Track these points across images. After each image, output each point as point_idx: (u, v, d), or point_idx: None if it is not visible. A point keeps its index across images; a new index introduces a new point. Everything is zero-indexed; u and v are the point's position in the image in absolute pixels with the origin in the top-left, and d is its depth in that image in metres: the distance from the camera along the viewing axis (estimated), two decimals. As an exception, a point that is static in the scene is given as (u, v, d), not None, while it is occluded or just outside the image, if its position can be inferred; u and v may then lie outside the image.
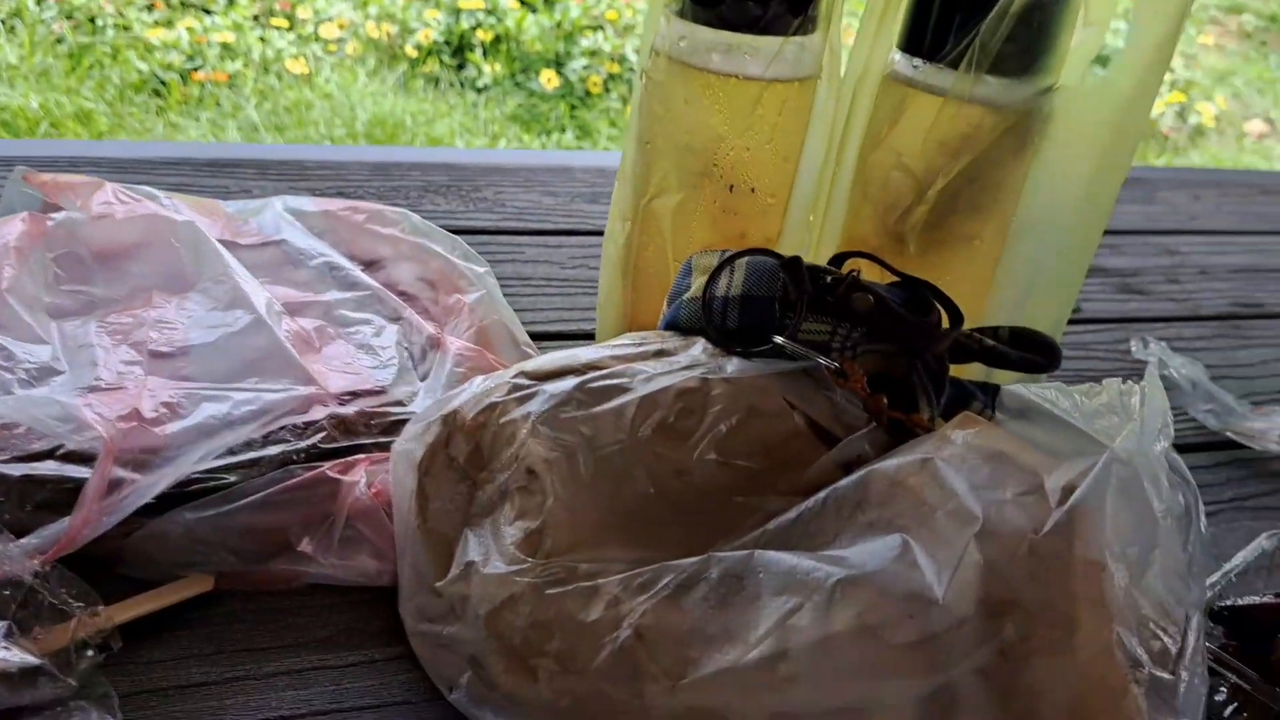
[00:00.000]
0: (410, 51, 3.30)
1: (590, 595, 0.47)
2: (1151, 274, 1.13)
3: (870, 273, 0.64)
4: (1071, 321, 1.01)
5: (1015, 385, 0.49)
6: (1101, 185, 0.60)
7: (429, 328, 0.65)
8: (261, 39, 3.17)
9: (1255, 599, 0.59)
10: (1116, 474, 0.43)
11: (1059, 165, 0.60)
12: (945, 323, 0.57)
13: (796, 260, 0.55)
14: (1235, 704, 0.59)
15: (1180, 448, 0.83)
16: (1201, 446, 0.84)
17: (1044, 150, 0.60)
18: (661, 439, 0.53)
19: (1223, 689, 0.58)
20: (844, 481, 0.49)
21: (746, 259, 0.57)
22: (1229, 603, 0.60)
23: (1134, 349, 0.87)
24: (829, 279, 0.55)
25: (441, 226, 0.77)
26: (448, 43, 3.36)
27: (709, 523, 0.52)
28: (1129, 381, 0.54)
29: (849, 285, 0.54)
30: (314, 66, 3.13)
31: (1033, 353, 0.58)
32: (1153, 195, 1.36)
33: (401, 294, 0.69)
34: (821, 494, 0.50)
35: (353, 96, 3.03)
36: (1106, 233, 1.20)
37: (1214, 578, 0.63)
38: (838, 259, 0.63)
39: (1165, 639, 0.43)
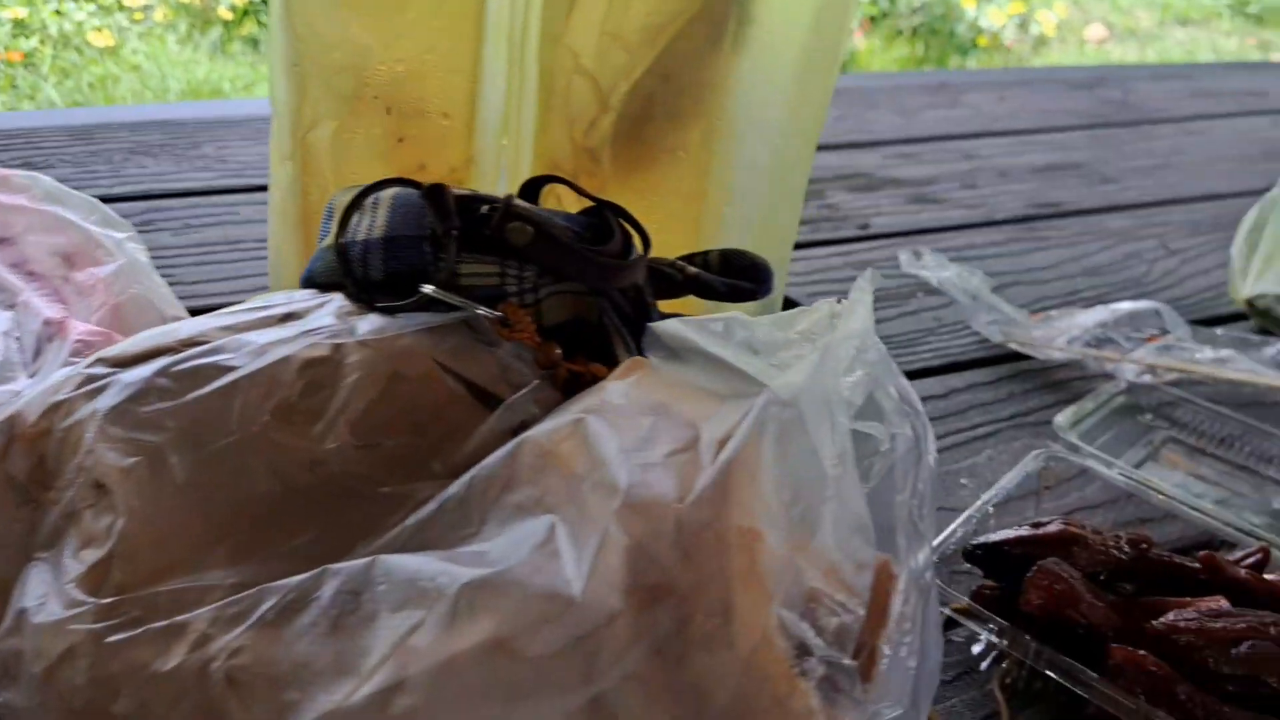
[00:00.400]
0: (224, 14, 3.08)
1: (170, 636, 0.37)
2: (947, 181, 1.08)
3: (570, 200, 0.55)
4: (858, 239, 0.95)
5: (680, 319, 0.41)
6: (811, 81, 0.52)
7: (51, 311, 0.54)
8: (58, 12, 2.91)
9: (1008, 533, 0.53)
10: (775, 419, 0.35)
11: (764, 60, 0.52)
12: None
13: (439, 188, 0.45)
14: (992, 655, 0.53)
15: (961, 364, 0.77)
16: (983, 361, 0.78)
17: (747, 44, 0.52)
18: (283, 425, 0.43)
19: (981, 639, 0.52)
20: (492, 456, 0.41)
21: (390, 193, 0.47)
22: (981, 540, 0.53)
23: (903, 261, 0.81)
24: (485, 209, 0.46)
25: (143, 191, 0.66)
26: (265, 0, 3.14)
27: (350, 523, 0.43)
28: (844, 301, 0.47)
29: (503, 214, 0.45)
30: (119, 38, 2.89)
31: (742, 278, 0.50)
32: (956, 100, 1.30)
33: (30, 273, 0.58)
34: (467, 475, 0.41)
35: (163, 66, 2.82)
36: (902, 142, 1.14)
37: (972, 509, 0.56)
38: (528, 186, 0.54)
39: (844, 614, 0.35)
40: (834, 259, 0.90)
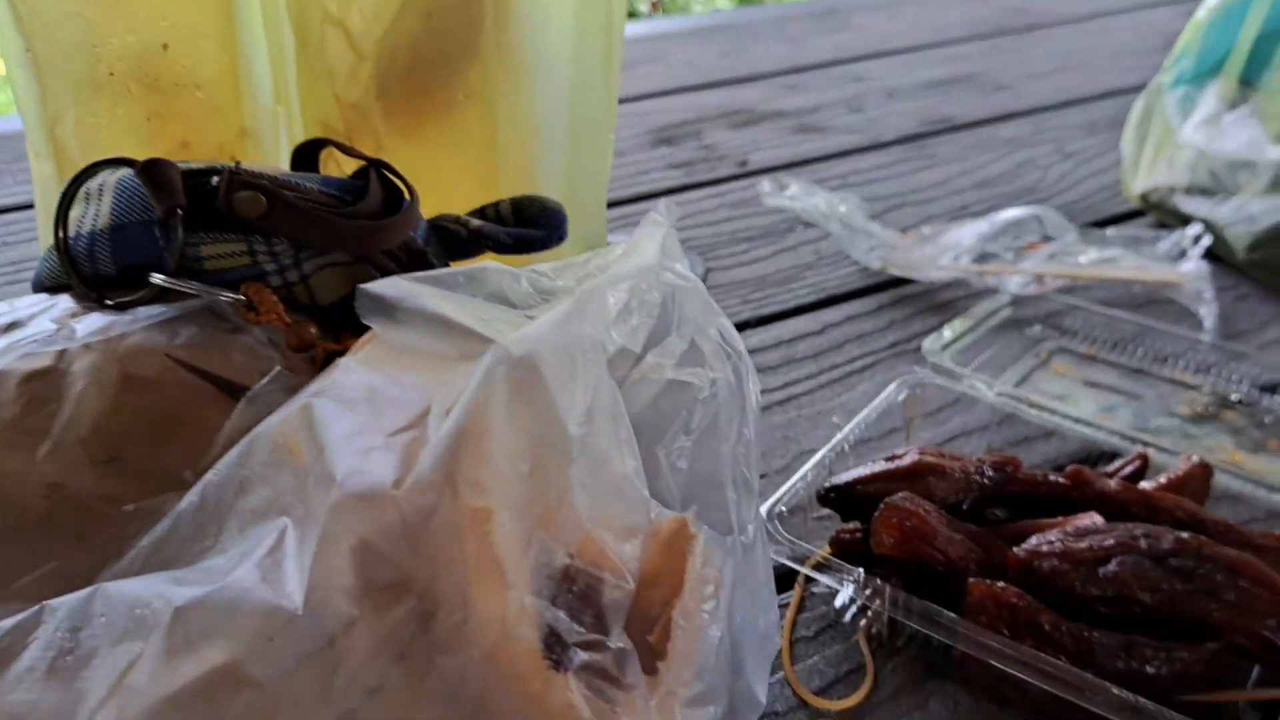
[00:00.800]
0: None
1: None
2: (833, 108, 1.03)
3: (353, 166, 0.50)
4: (735, 177, 0.90)
5: (396, 279, 0.35)
6: (593, 3, 0.47)
7: None
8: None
9: (861, 470, 0.49)
10: (505, 378, 0.31)
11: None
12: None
13: (154, 164, 0.40)
14: (855, 606, 0.48)
15: (839, 297, 0.73)
16: (862, 291, 0.73)
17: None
18: (5, 449, 0.38)
19: (844, 586, 0.47)
20: (225, 458, 0.36)
21: (115, 177, 0.42)
22: (833, 482, 0.49)
23: (765, 192, 0.76)
24: (213, 181, 0.41)
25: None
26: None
27: (95, 549, 0.38)
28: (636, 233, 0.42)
29: (228, 184, 0.40)
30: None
31: (533, 226, 0.45)
32: (845, 23, 1.25)
33: None
34: (201, 482, 0.36)
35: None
36: (788, 72, 1.09)
37: (826, 448, 0.52)
38: (301, 153, 0.49)
39: (609, 590, 0.31)
40: (708, 200, 0.85)
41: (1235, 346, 0.66)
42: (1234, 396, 0.62)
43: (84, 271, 0.41)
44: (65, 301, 0.42)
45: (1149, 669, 0.41)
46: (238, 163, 0.41)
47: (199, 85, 0.50)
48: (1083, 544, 0.43)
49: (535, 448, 0.31)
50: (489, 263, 0.37)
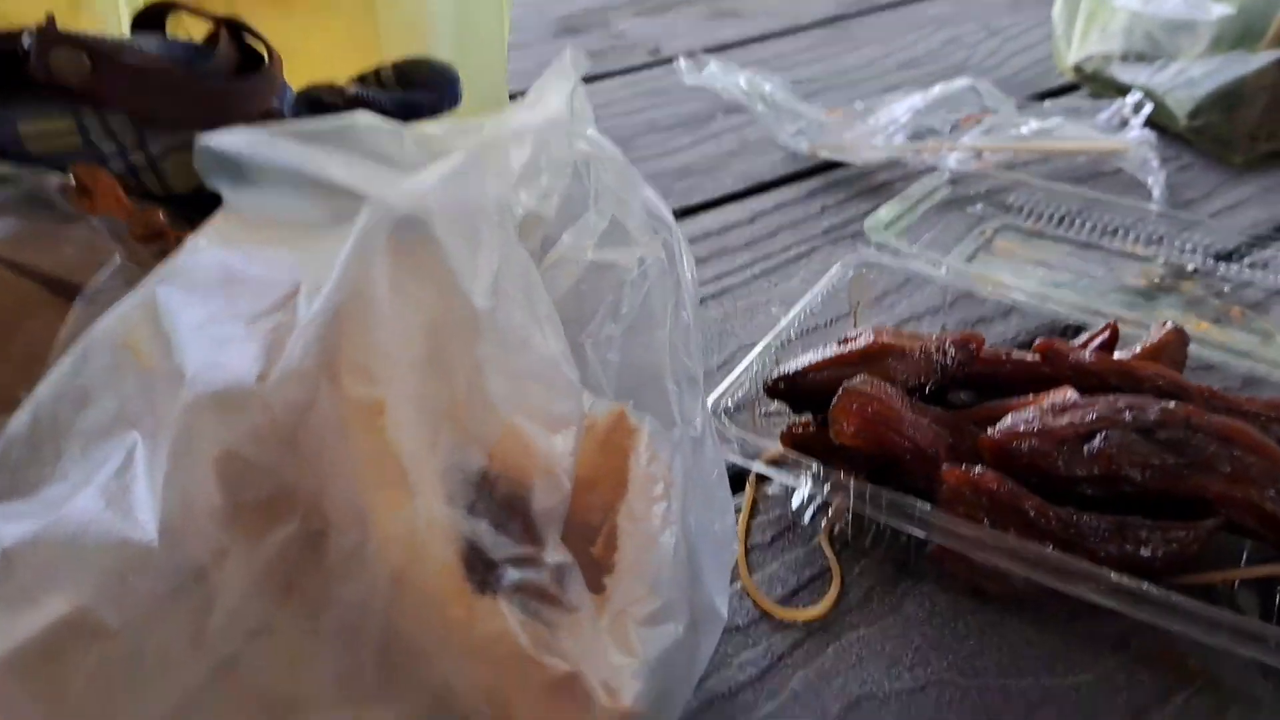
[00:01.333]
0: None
1: None
2: (747, -8, 0.96)
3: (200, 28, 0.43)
4: (648, 65, 0.83)
5: (263, 128, 0.29)
6: None
7: None
8: None
9: (812, 356, 0.44)
10: (389, 242, 0.24)
11: None
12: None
13: (-55, 22, 0.33)
14: (814, 505, 0.44)
15: (768, 184, 0.67)
16: (792, 177, 0.68)
17: None
18: None
19: (799, 488, 0.42)
20: (57, 367, 0.29)
21: (-97, 45, 0.34)
22: (782, 371, 0.44)
23: (683, 70, 0.70)
24: (25, 42, 0.33)
25: None
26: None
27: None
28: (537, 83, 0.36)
29: (41, 42, 0.33)
30: None
31: (420, 89, 0.39)
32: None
33: None
34: (32, 398, 0.29)
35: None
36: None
37: (770, 336, 0.47)
38: (144, 18, 0.41)
39: (539, 494, 0.25)
40: (622, 90, 0.78)
41: (1187, 215, 0.62)
42: (1190, 266, 0.59)
43: (-128, 159, 0.34)
44: None
45: (1144, 552, 0.37)
46: (50, 16, 0.34)
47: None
48: (1062, 421, 0.39)
49: (432, 326, 0.25)
50: (361, 115, 0.30)
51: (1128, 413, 0.39)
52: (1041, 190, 0.63)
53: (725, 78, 0.67)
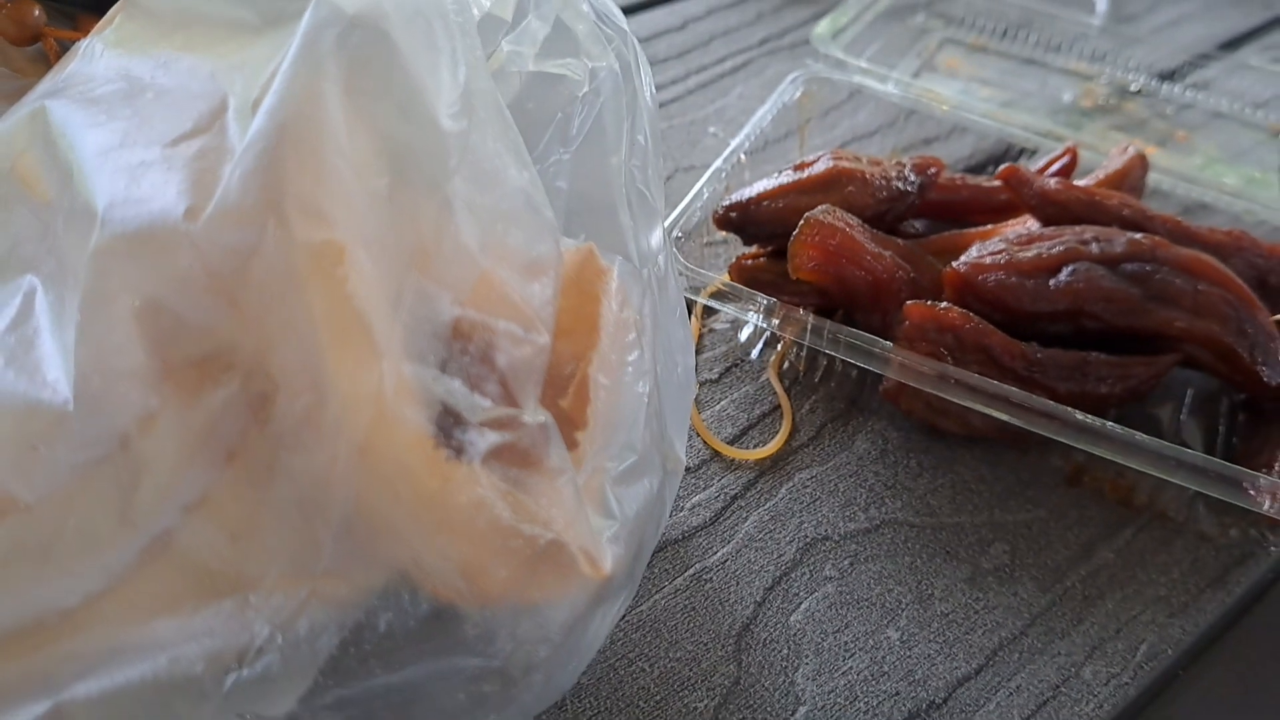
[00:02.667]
0: None
1: None
2: None
3: None
4: None
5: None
6: None
7: None
8: None
9: (767, 183, 0.41)
10: (340, 50, 0.20)
11: None
12: None
13: None
14: (764, 339, 0.42)
15: (701, -14, 0.62)
16: (725, -23, 0.63)
17: None
18: None
19: (748, 321, 0.40)
20: (-75, 195, 0.24)
21: None
22: (734, 198, 0.41)
23: None
24: None
25: None
26: None
27: None
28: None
29: None
30: None
31: None
32: None
33: None
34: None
35: None
36: None
37: (719, 161, 0.44)
38: None
39: (514, 347, 0.22)
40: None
41: (1129, 31, 0.60)
42: (1133, 86, 0.57)
43: None
44: None
45: (1102, 388, 0.36)
46: None
47: None
48: (1029, 253, 0.37)
49: (394, 152, 0.21)
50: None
51: (1094, 245, 0.37)
52: (982, 1, 0.60)
53: None
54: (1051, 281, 0.37)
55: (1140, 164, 0.43)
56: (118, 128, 0.22)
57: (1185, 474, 0.34)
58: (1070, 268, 0.37)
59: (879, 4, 0.59)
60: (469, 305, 0.22)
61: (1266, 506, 0.33)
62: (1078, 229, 0.38)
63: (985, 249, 0.38)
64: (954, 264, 0.38)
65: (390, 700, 0.23)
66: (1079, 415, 0.34)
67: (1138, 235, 0.38)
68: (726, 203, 0.41)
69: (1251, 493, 0.33)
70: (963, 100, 0.50)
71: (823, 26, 0.53)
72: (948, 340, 0.36)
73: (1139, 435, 0.34)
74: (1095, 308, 0.36)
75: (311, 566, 0.23)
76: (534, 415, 0.23)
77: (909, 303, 0.36)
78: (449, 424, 0.21)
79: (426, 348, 0.21)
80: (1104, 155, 0.45)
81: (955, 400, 0.35)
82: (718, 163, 0.43)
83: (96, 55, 0.23)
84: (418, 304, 0.21)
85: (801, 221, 0.37)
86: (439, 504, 0.21)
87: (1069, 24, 0.59)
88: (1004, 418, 0.35)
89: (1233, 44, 0.63)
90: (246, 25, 0.22)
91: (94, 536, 0.22)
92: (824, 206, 0.38)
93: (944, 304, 0.36)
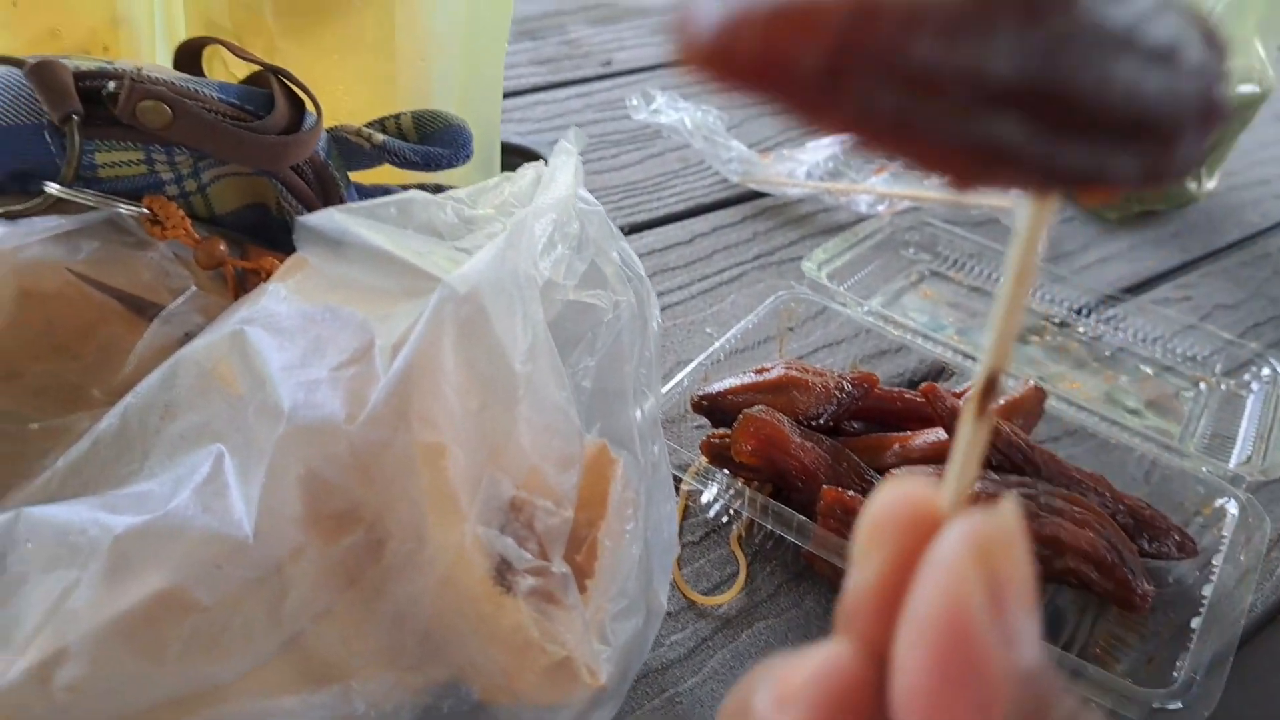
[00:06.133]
0: None
1: None
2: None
3: (242, 69, 0.48)
4: (600, 77, 0.89)
5: (344, 206, 0.35)
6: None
7: None
8: None
9: (731, 381, 0.52)
10: (453, 317, 0.31)
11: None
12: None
13: (44, 66, 0.38)
14: (729, 511, 0.52)
15: (706, 206, 0.75)
16: (727, 202, 0.76)
17: None
18: (-111, 362, 0.36)
19: (709, 488, 0.50)
20: (147, 380, 0.35)
21: (-8, 73, 0.39)
22: (706, 390, 0.52)
23: (632, 108, 0.77)
24: (113, 87, 0.39)
25: None
26: None
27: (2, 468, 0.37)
28: (550, 163, 0.43)
29: (130, 93, 0.38)
30: None
31: (438, 143, 0.45)
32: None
33: None
34: (121, 404, 0.35)
35: None
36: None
37: (703, 356, 0.55)
38: (185, 51, 0.47)
39: (550, 519, 0.33)
40: (574, 100, 0.85)
41: (1057, 269, 0.72)
42: (1056, 319, 0.69)
43: (-37, 175, 0.39)
44: (-64, 211, 0.39)
45: None
46: (137, 69, 0.39)
47: (71, -32, 0.46)
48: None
49: (484, 385, 0.32)
50: (416, 192, 0.37)
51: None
52: (945, 235, 0.72)
53: (669, 113, 0.75)
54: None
55: (1036, 395, 0.54)
56: (297, 353, 0.33)
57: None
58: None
59: (877, 235, 0.70)
60: (521, 488, 0.32)
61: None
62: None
63: (910, 456, 0.48)
64: (891, 465, 0.48)
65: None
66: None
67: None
68: (700, 393, 0.52)
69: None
70: (916, 322, 0.62)
71: (812, 259, 0.65)
72: (852, 521, 0.46)
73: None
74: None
75: (398, 662, 0.32)
76: (559, 567, 0.33)
77: (825, 486, 0.47)
78: (503, 569, 0.32)
79: (492, 516, 0.32)
80: (1017, 379, 0.56)
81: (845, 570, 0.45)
82: (701, 358, 0.54)
83: (281, 297, 0.34)
84: (490, 486, 0.32)
85: (741, 414, 0.48)
86: (492, 624, 0.31)
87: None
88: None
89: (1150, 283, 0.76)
90: (390, 293, 0.33)
91: (250, 632, 0.32)
92: (761, 406, 0.49)
93: (852, 492, 0.47)
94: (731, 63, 0.13)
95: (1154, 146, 0.14)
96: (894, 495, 0.17)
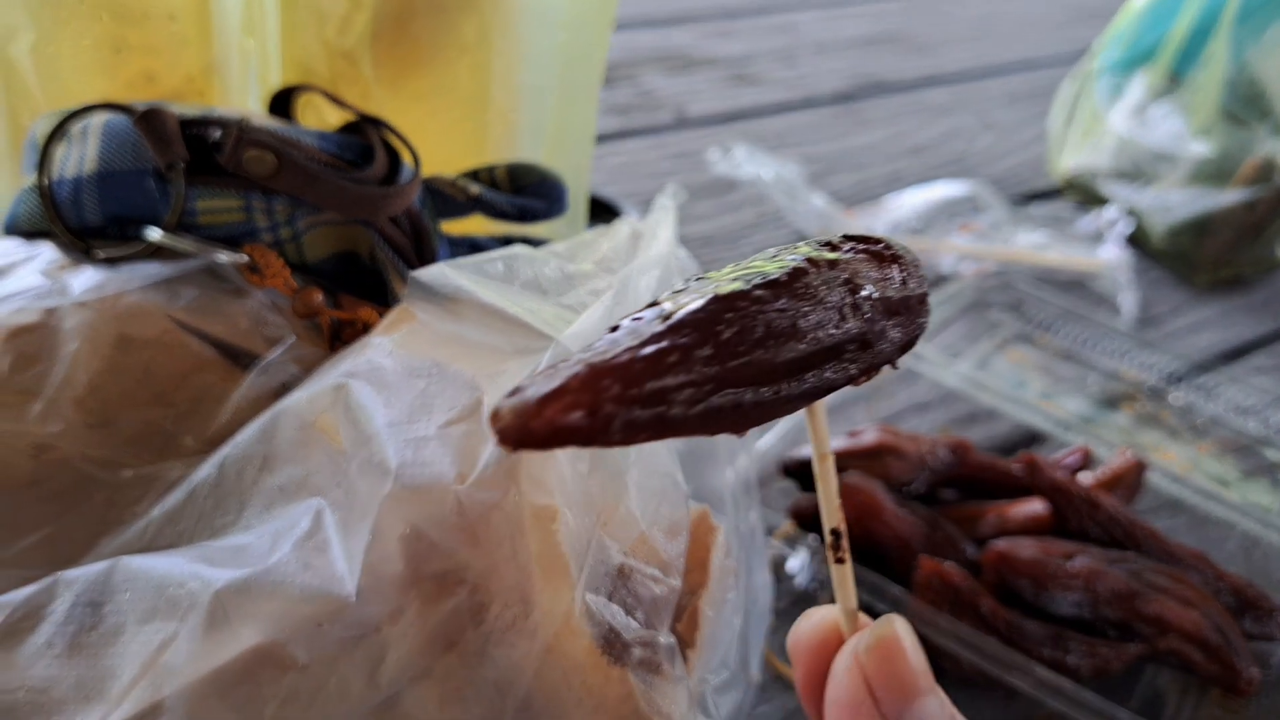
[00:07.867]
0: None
1: None
2: (765, 59, 1.03)
3: (333, 112, 0.48)
4: (674, 127, 0.89)
5: (453, 261, 0.35)
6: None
7: None
8: None
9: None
10: (568, 379, 0.30)
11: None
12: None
13: (154, 113, 0.38)
14: (816, 579, 0.50)
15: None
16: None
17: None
18: (-9, 406, 0.36)
19: (797, 554, 0.49)
20: (245, 432, 0.35)
21: (101, 119, 0.39)
22: (795, 455, 0.50)
23: (712, 160, 0.76)
24: (217, 134, 0.39)
25: None
26: None
27: (90, 515, 0.37)
28: (645, 219, 0.42)
29: (236, 142, 0.38)
30: None
31: (533, 196, 0.45)
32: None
33: None
34: (218, 455, 0.35)
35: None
36: (715, 18, 1.08)
37: (788, 420, 0.53)
38: (280, 98, 0.47)
39: (657, 587, 0.31)
40: (649, 151, 0.84)
41: (1148, 335, 0.70)
42: (1148, 384, 0.66)
43: (67, 219, 0.39)
44: (49, 251, 0.39)
45: (1070, 660, 0.44)
46: (243, 119, 0.39)
47: (172, 16, 0.47)
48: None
49: (594, 449, 0.31)
50: (519, 248, 0.36)
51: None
52: (1032, 298, 0.70)
53: (749, 166, 0.74)
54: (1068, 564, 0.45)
55: (1135, 469, 0.52)
56: (404, 409, 0.32)
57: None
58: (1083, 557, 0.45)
59: (961, 298, 0.69)
60: (630, 554, 0.31)
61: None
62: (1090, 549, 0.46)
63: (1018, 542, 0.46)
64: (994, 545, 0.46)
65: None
66: (1039, 670, 0.42)
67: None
68: (790, 458, 0.50)
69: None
70: (1004, 387, 0.60)
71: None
72: (949, 594, 0.44)
73: (1083, 692, 0.41)
74: (1099, 586, 0.44)
75: (495, 733, 0.31)
76: (665, 638, 0.31)
77: (923, 556, 0.45)
78: (611, 638, 0.30)
79: (600, 583, 0.30)
80: (1113, 449, 0.54)
81: (948, 646, 0.43)
82: (786, 423, 0.53)
83: (386, 351, 0.34)
84: (598, 552, 0.30)
85: (836, 483, 0.47)
86: (599, 695, 0.30)
87: (1097, 326, 0.69)
88: (983, 666, 0.42)
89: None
90: (501, 350, 0.32)
91: (346, 692, 0.31)
92: (856, 472, 0.47)
93: (951, 563, 0.45)
94: (532, 438, 0.18)
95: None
96: (809, 623, 0.26)
